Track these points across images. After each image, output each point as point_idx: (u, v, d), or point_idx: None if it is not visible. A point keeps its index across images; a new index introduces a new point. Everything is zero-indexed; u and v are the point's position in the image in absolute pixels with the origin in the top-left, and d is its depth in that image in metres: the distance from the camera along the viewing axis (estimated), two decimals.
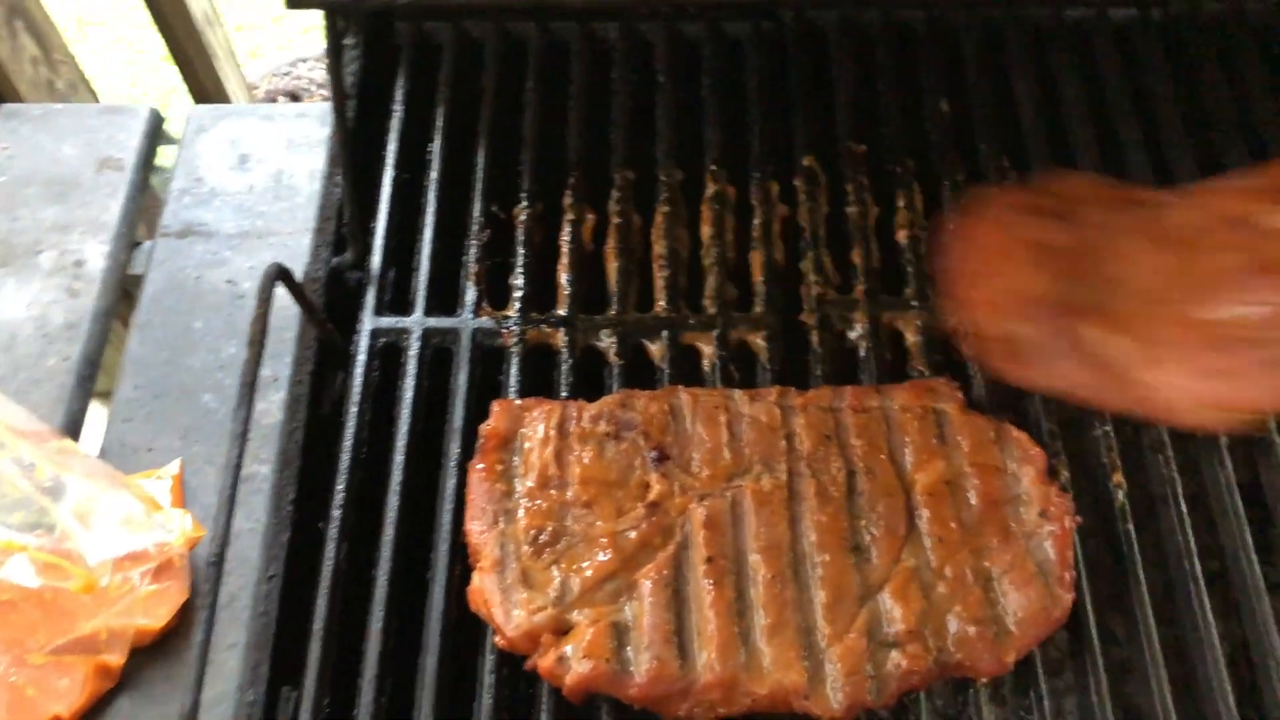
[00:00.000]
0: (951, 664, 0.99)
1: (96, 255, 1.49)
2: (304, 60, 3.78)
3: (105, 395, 1.47)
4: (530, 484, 1.07)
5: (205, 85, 2.63)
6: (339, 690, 1.04)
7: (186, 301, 1.45)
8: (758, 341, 1.20)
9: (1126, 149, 1.33)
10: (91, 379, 1.42)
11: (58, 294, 1.46)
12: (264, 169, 1.56)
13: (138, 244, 1.53)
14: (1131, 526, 1.09)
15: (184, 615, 1.23)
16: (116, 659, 1.18)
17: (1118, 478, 1.12)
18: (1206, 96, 1.37)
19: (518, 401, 1.12)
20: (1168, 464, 1.13)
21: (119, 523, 1.23)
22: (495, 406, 1.11)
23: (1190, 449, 1.15)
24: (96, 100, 2.30)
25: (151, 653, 1.21)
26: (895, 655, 0.99)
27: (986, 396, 1.16)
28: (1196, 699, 1.04)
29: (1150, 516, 1.12)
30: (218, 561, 0.91)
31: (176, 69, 2.61)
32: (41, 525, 1.21)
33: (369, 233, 1.27)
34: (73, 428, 1.38)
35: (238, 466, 0.96)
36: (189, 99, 2.68)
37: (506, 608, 1.01)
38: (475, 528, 1.05)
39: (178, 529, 1.24)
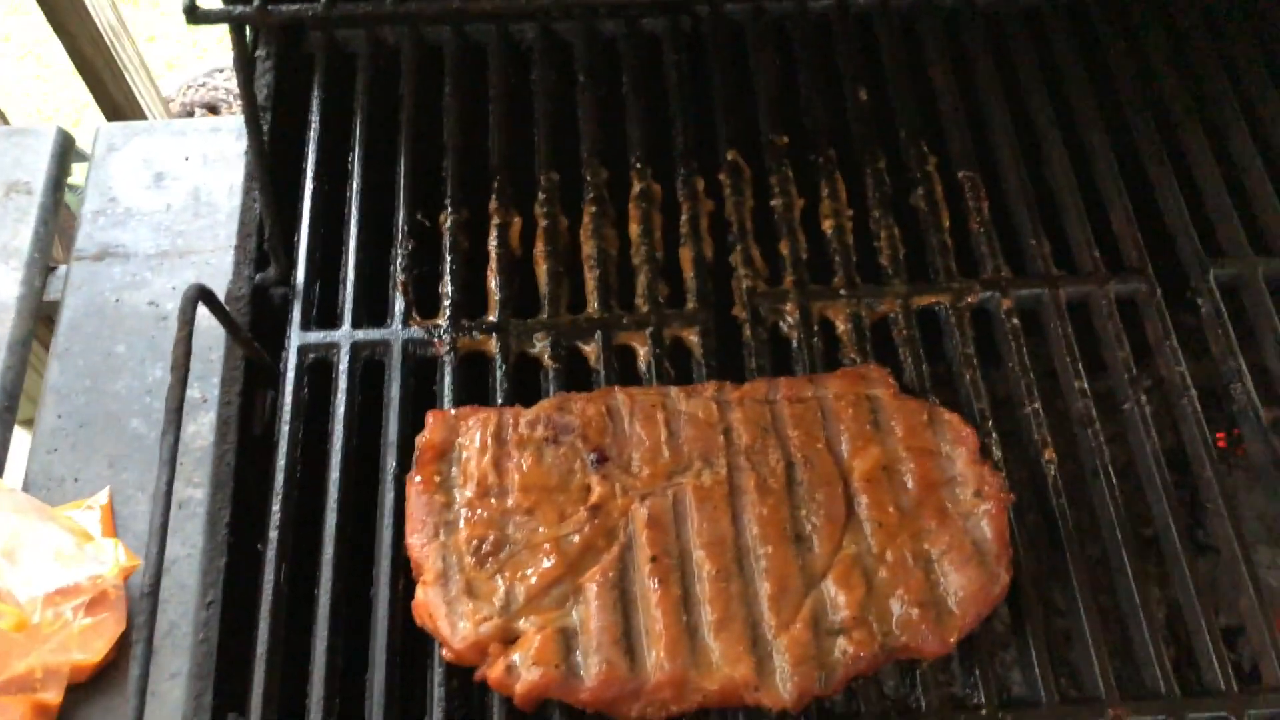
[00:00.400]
0: (897, 647, 1.00)
1: (9, 283, 1.45)
2: (220, 71, 3.70)
3: (27, 423, 1.43)
4: (469, 494, 1.06)
5: (117, 100, 2.56)
6: (286, 713, 1.02)
7: (107, 326, 1.41)
8: (691, 338, 1.21)
9: (1041, 128, 1.35)
10: (11, 411, 1.38)
11: None
12: (180, 186, 1.53)
13: (52, 269, 1.49)
14: (1065, 500, 1.12)
15: (122, 648, 1.20)
16: (53, 697, 1.15)
17: (1049, 453, 1.14)
18: (1115, 73, 1.40)
19: (452, 411, 1.11)
20: (1096, 437, 1.15)
21: (49, 557, 1.20)
22: (430, 418, 1.10)
23: (1118, 420, 1.18)
24: (5, 121, 2.23)
25: (89, 688, 1.18)
26: (842, 642, 1.00)
27: (917, 380, 1.18)
28: (1135, 663, 1.07)
29: (1082, 489, 1.14)
30: (152, 591, 0.89)
31: (85, 85, 2.54)
32: None
33: (292, 247, 1.25)
34: None
35: (168, 494, 0.94)
36: (101, 115, 2.61)
37: (452, 620, 1.00)
38: (416, 541, 1.04)
39: (110, 560, 1.21)
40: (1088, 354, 1.21)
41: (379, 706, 1.01)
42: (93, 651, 1.17)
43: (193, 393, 1.33)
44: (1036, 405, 1.17)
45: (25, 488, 1.31)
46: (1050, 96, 1.38)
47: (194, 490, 1.27)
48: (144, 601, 0.89)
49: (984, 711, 1.01)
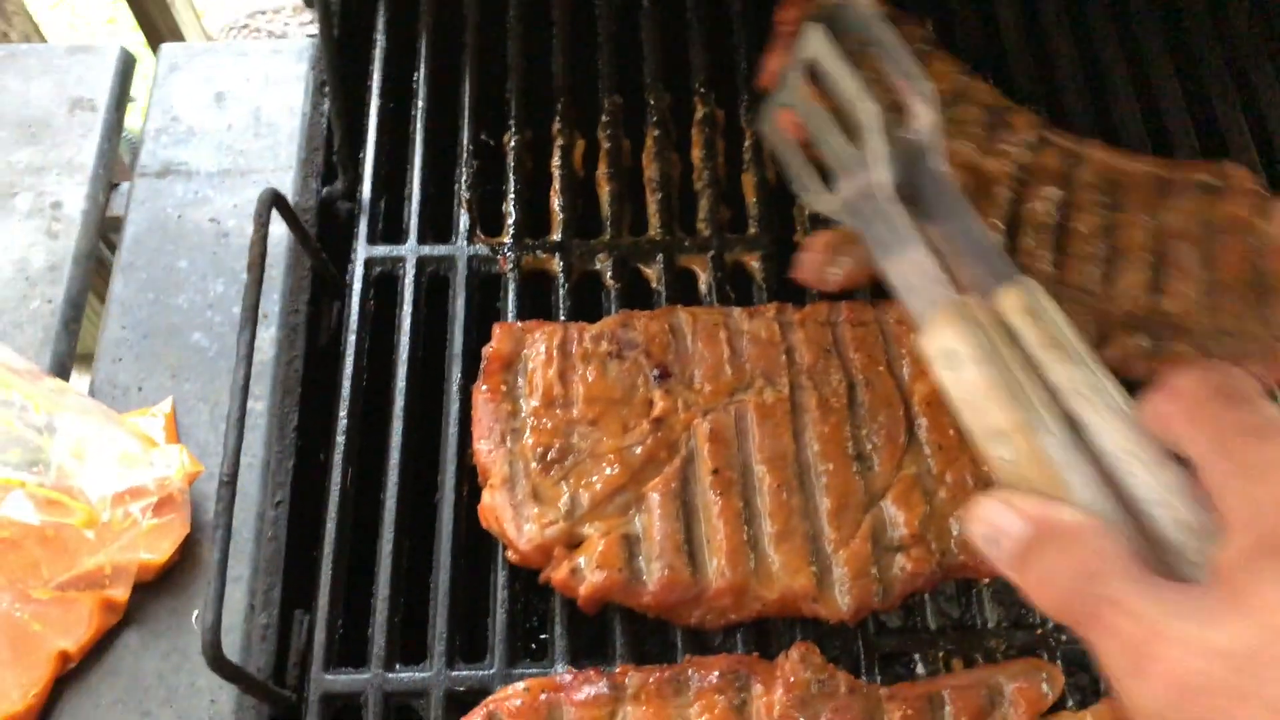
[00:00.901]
0: (955, 566, 1.01)
1: (75, 197, 1.47)
2: (262, 12, 3.71)
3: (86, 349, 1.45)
4: (535, 403, 1.08)
5: (162, 32, 2.57)
6: (352, 612, 1.04)
7: (170, 241, 1.43)
8: (753, 263, 1.21)
9: (1107, 64, 1.34)
10: (76, 321, 1.40)
11: (37, 236, 1.44)
12: (242, 106, 1.53)
13: (116, 185, 1.51)
14: None
15: (186, 550, 1.22)
16: (121, 594, 1.18)
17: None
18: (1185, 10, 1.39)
19: (519, 324, 1.12)
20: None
21: (116, 459, 1.23)
22: (497, 329, 1.11)
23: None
24: (43, 40, 2.25)
25: (155, 588, 1.21)
26: (900, 559, 1.01)
27: None
28: None
29: None
30: (230, 480, 0.91)
31: (132, 18, 2.55)
32: (39, 463, 1.20)
33: (358, 162, 1.26)
34: (60, 370, 1.36)
35: (244, 388, 0.96)
36: (146, 50, 2.62)
37: (518, 523, 1.02)
38: (483, 446, 1.06)
39: (176, 464, 1.23)
40: None
41: (443, 606, 1.03)
42: (159, 551, 1.19)
43: (239, 308, 1.34)
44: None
45: (91, 395, 1.33)
46: (1119, 35, 1.37)
47: (255, 403, 1.28)
48: (222, 490, 0.91)
49: (1039, 631, 1.02)
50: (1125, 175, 1.20)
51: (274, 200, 1.06)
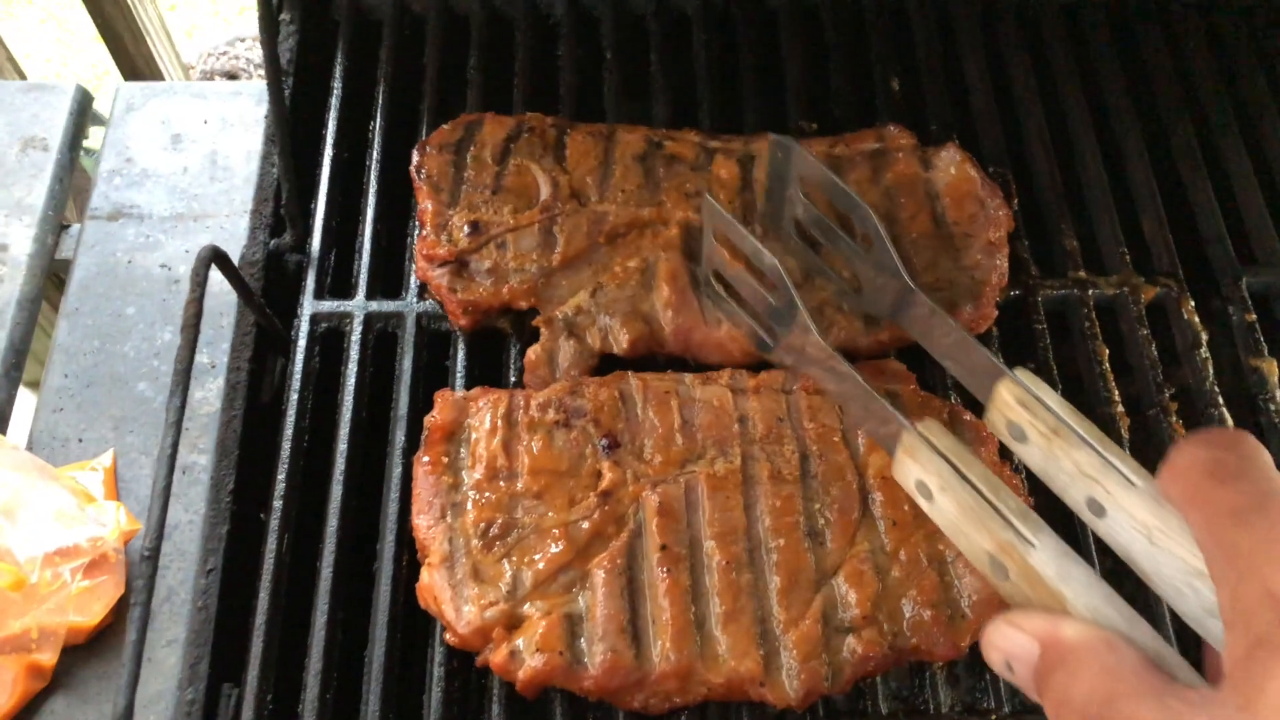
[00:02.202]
0: (907, 649, 0.98)
1: (22, 239, 1.43)
2: (242, 40, 3.69)
3: (33, 384, 1.41)
4: (478, 476, 1.04)
5: (137, 64, 2.55)
6: (283, 686, 1.00)
7: (118, 287, 1.39)
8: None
9: (1074, 127, 1.33)
10: (18, 368, 1.37)
11: None
12: (198, 149, 1.51)
13: (66, 227, 1.47)
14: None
15: (119, 612, 1.18)
16: (48, 658, 1.13)
17: None
18: (1152, 74, 1.37)
19: (462, 393, 1.09)
20: (1120, 443, 1.13)
21: (50, 517, 1.19)
22: (439, 398, 1.08)
23: (1144, 427, 1.15)
24: (23, 78, 2.22)
25: (85, 651, 1.17)
26: (851, 641, 0.98)
27: (940, 378, 1.15)
28: None
29: None
30: (153, 554, 0.87)
31: (106, 48, 2.53)
32: None
33: (308, 214, 1.23)
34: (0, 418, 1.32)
35: (173, 456, 0.92)
36: (121, 79, 2.60)
37: (457, 604, 0.98)
38: (422, 522, 1.02)
39: (111, 522, 1.20)
40: (1115, 358, 1.19)
41: (377, 683, 0.99)
42: (90, 614, 1.15)
43: (201, 358, 1.31)
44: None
45: (29, 446, 1.29)
46: (1085, 96, 1.36)
47: (198, 456, 1.25)
48: (144, 565, 0.88)
49: (993, 717, 0.99)
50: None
51: (214, 257, 1.03)
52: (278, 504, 1.07)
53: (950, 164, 1.21)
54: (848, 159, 1.23)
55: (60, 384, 1.33)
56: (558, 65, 1.35)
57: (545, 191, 1.17)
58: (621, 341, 1.11)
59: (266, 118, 1.35)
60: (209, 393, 1.31)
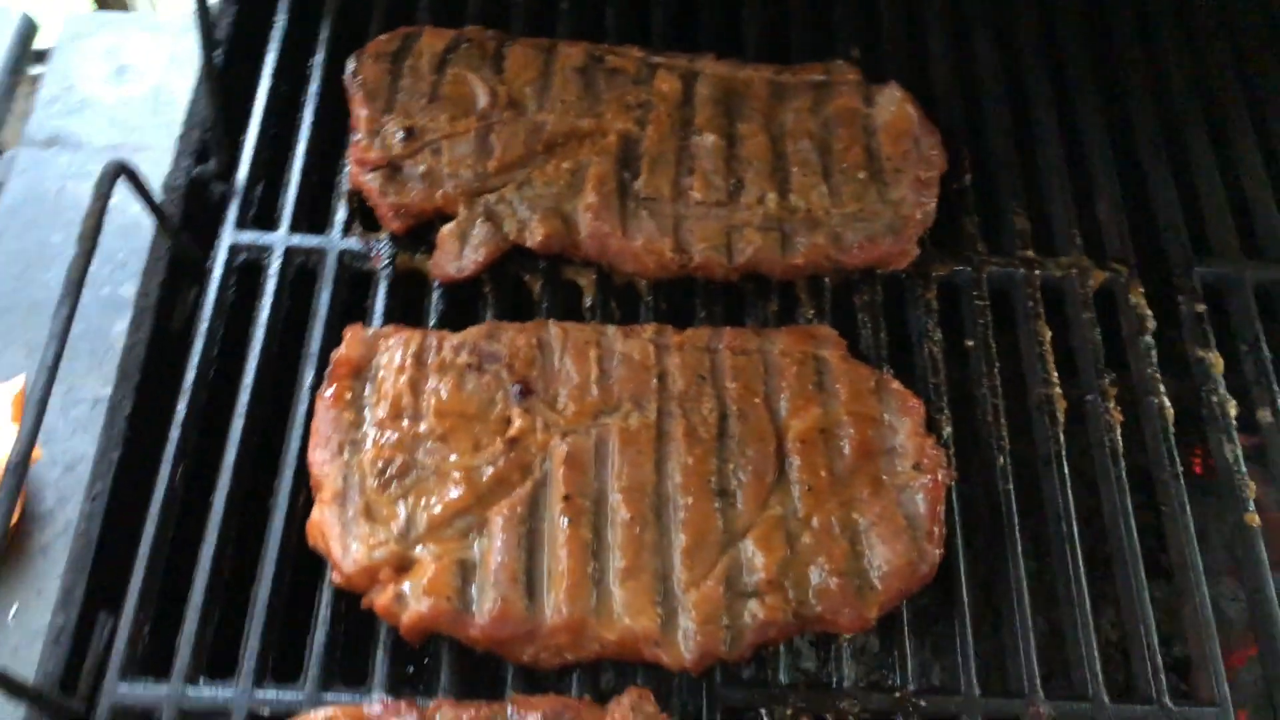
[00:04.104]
0: (812, 617, 0.94)
1: None
2: None
3: None
4: (381, 414, 1.00)
5: None
6: (163, 621, 0.96)
7: (46, 214, 1.35)
8: (642, 282, 1.14)
9: (1037, 107, 1.29)
10: None
11: None
12: (144, 81, 1.46)
13: (0, 152, 1.43)
14: (1011, 486, 1.06)
15: (14, 538, 1.14)
16: None
17: (1002, 439, 1.08)
18: (1122, 61, 1.34)
19: (374, 329, 1.05)
20: (1053, 424, 1.09)
21: None
22: (348, 332, 1.04)
23: (1079, 409, 1.11)
24: None
25: None
26: (753, 605, 0.94)
27: (873, 347, 1.11)
28: (1066, 664, 1.00)
29: (1033, 477, 1.08)
30: (20, 465, 0.84)
31: None
32: None
33: (238, 144, 1.19)
34: None
35: (53, 368, 0.88)
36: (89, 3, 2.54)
37: (345, 542, 0.94)
38: (319, 457, 0.98)
39: (7, 447, 1.16)
40: (1058, 341, 1.15)
41: (259, 621, 0.95)
42: None
43: (124, 290, 1.27)
44: (996, 385, 1.11)
45: None
46: (1051, 77, 1.32)
47: (108, 388, 1.21)
48: (7, 477, 0.84)
49: (899, 694, 0.95)
50: (742, 84, 1.22)
51: (120, 171, 0.99)
52: (175, 432, 1.03)
53: (891, 102, 1.20)
54: (791, 87, 1.22)
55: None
56: (510, 10, 1.32)
57: (483, 100, 1.15)
58: (536, 235, 1.09)
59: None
60: (127, 324, 1.26)
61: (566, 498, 0.97)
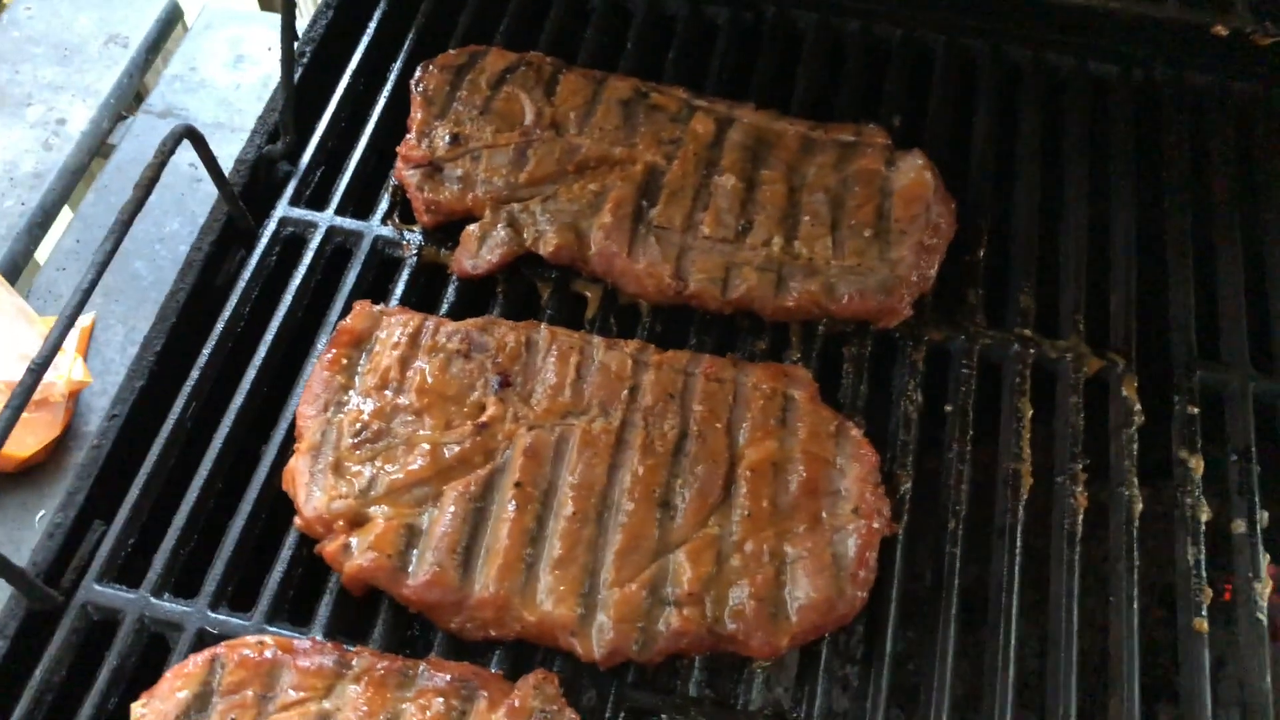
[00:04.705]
0: (725, 635, 0.98)
1: (80, 119, 1.57)
2: None
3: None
4: (370, 383, 1.09)
5: None
6: (148, 537, 1.06)
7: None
8: (642, 303, 1.21)
9: (1070, 194, 1.31)
10: (43, 227, 1.50)
11: (34, 146, 1.54)
12: (256, 71, 1.62)
13: (124, 118, 1.61)
14: (958, 551, 1.07)
15: (52, 451, 1.28)
16: None
17: (959, 505, 1.10)
18: (1167, 156, 1.34)
19: (381, 307, 1.15)
20: (1014, 498, 1.10)
21: (14, 355, 1.29)
22: (356, 306, 1.14)
23: (1046, 489, 1.12)
24: None
25: (14, 481, 1.26)
26: (671, 613, 0.98)
27: (850, 398, 1.15)
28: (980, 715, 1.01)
29: (985, 546, 1.09)
30: (39, 368, 0.95)
31: None
32: None
33: (309, 131, 1.31)
34: (12, 267, 1.45)
35: (87, 291, 0.99)
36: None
37: (310, 490, 1.03)
38: (306, 411, 1.08)
39: (66, 371, 1.29)
40: (1039, 421, 1.16)
41: (227, 551, 1.04)
42: (22, 446, 1.25)
43: (184, 246, 1.39)
44: (965, 452, 1.12)
45: (29, 295, 1.41)
46: (1091, 169, 1.33)
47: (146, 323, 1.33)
48: (26, 374, 0.95)
49: None
50: (774, 135, 1.26)
51: (187, 134, 1.11)
52: (194, 374, 1.14)
53: (911, 168, 1.24)
54: (820, 143, 1.27)
55: (70, 247, 1.45)
56: (581, 40, 1.41)
57: (529, 118, 1.25)
58: (549, 244, 1.18)
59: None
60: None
61: (518, 484, 1.04)
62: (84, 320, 1.38)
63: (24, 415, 1.23)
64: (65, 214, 1.55)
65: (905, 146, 1.32)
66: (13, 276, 1.45)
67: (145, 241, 1.46)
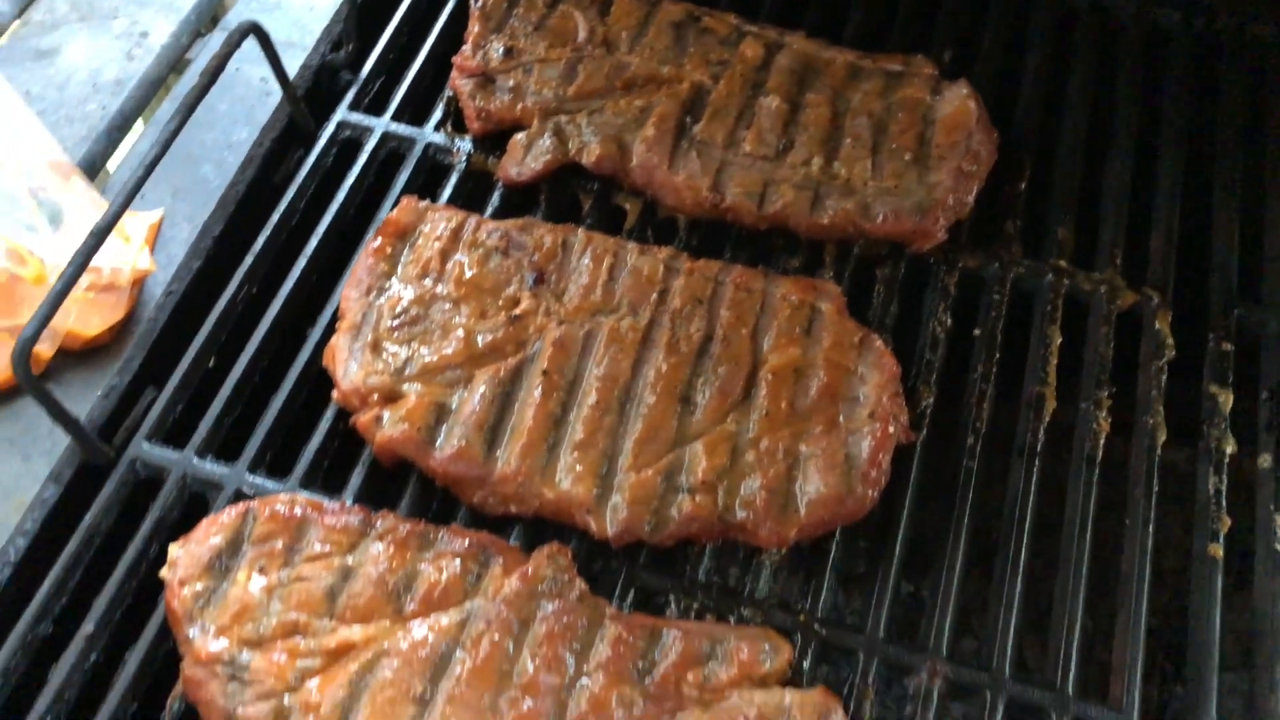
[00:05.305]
0: (734, 524, 1.00)
1: (162, 32, 1.64)
2: None
3: None
4: (412, 271, 1.14)
5: None
6: (195, 403, 1.12)
7: (221, 86, 1.56)
8: (680, 217, 1.24)
9: (1119, 130, 1.30)
10: (122, 130, 1.57)
11: (117, 55, 1.62)
12: None
13: (201, 35, 1.68)
14: (975, 465, 1.08)
15: (116, 335, 1.35)
16: (46, 350, 1.31)
17: (979, 423, 1.11)
18: (1224, 98, 1.33)
19: (427, 203, 1.19)
20: (1036, 420, 1.11)
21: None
22: (404, 200, 1.19)
23: (1066, 414, 1.12)
24: None
25: (76, 358, 1.33)
26: (683, 499, 1.01)
27: (879, 317, 1.16)
28: (979, 637, 1.02)
29: (1003, 464, 1.10)
30: (102, 231, 1.01)
31: None
32: (32, 227, 1.35)
33: (372, 42, 1.37)
34: (90, 167, 1.52)
35: (150, 165, 1.06)
36: None
37: (348, 365, 1.08)
38: (350, 294, 1.13)
39: (133, 259, 1.36)
40: (1068, 351, 1.16)
41: (268, 421, 1.10)
42: (88, 326, 1.32)
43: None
44: (990, 373, 1.13)
45: (105, 192, 1.49)
46: (1142, 111, 1.33)
47: None
48: (89, 239, 1.02)
49: (802, 617, 1.00)
50: (822, 62, 1.28)
51: (251, 30, 1.17)
52: (249, 259, 1.20)
53: (955, 96, 1.25)
54: (867, 71, 1.29)
55: (145, 149, 1.52)
56: None
57: (581, 35, 1.29)
58: (593, 154, 1.21)
59: None
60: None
61: (546, 373, 1.07)
62: (152, 216, 1.45)
63: (91, 297, 1.32)
64: (138, 127, 1.62)
65: (952, 78, 1.33)
66: (91, 174, 1.52)
67: (214, 148, 1.53)
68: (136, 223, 1.43)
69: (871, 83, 1.28)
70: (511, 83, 1.27)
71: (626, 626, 0.95)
